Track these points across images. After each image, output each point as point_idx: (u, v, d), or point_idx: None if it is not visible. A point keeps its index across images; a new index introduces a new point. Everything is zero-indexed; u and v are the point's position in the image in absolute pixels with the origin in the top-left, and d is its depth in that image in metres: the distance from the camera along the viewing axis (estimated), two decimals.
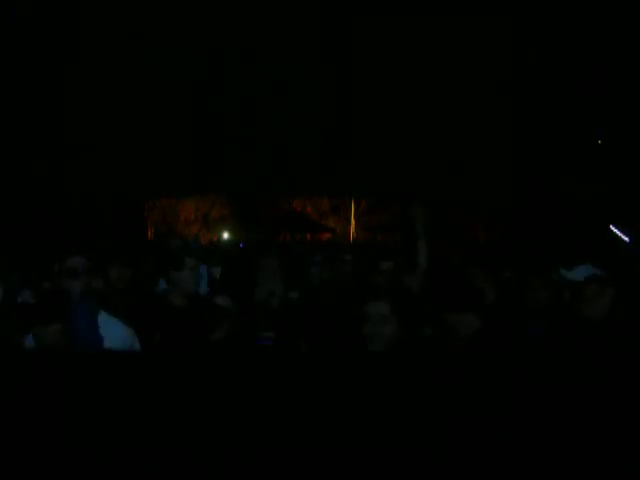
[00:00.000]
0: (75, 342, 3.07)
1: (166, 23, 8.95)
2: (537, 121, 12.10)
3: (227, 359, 2.02)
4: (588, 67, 11.34)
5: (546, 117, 12.02)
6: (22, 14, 8.30)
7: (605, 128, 12.39)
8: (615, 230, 11.32)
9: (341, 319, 3.30)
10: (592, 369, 1.76)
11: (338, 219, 16.66)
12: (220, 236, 15.05)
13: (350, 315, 3.04)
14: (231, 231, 15.13)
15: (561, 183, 12.17)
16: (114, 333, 3.30)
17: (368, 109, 11.75)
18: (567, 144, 12.01)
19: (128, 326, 3.38)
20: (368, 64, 10.23)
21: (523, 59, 10.39)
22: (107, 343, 3.29)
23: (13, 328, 3.22)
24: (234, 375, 1.81)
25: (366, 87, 11.06)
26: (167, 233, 14.52)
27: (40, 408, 1.75)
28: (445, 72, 10.69)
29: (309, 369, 1.81)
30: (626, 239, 10.85)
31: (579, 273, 2.85)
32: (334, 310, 3.61)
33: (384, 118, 11.99)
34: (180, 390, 1.73)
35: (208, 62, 10.20)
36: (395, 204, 15.55)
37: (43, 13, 8.14)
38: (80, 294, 3.57)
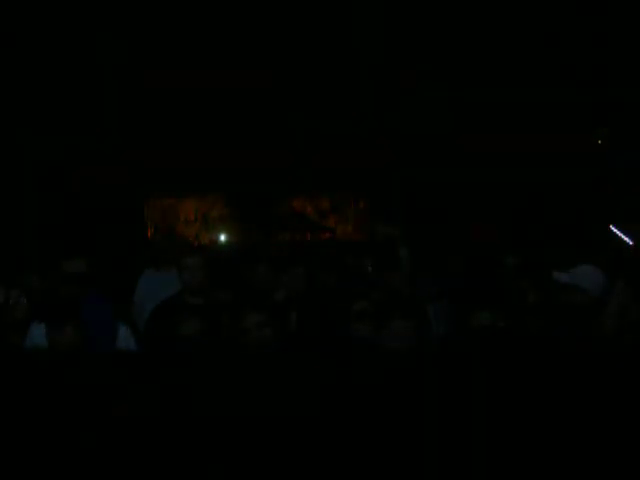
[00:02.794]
0: (88, 343, 3.09)
1: (165, 21, 8.94)
2: (536, 120, 12.08)
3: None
4: (588, 65, 11.34)
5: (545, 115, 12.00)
6: None
7: (605, 127, 12.36)
8: (615, 230, 11.27)
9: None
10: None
11: (338, 219, 16.63)
12: (219, 236, 15.01)
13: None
14: (231, 231, 15.09)
15: (562, 182, 12.15)
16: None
17: (367, 108, 11.71)
18: (566, 143, 11.99)
19: (124, 325, 3.40)
20: (365, 63, 10.24)
21: (523, 54, 10.38)
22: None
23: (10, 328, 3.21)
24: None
25: (364, 86, 11.05)
26: (167, 233, 14.51)
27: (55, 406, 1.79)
28: (443, 69, 10.68)
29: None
30: (627, 239, 10.80)
31: (577, 275, 2.83)
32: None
33: (383, 117, 11.96)
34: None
35: (208, 62, 10.19)
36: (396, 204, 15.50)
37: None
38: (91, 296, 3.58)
